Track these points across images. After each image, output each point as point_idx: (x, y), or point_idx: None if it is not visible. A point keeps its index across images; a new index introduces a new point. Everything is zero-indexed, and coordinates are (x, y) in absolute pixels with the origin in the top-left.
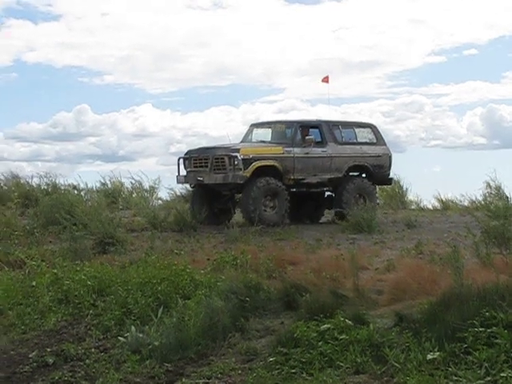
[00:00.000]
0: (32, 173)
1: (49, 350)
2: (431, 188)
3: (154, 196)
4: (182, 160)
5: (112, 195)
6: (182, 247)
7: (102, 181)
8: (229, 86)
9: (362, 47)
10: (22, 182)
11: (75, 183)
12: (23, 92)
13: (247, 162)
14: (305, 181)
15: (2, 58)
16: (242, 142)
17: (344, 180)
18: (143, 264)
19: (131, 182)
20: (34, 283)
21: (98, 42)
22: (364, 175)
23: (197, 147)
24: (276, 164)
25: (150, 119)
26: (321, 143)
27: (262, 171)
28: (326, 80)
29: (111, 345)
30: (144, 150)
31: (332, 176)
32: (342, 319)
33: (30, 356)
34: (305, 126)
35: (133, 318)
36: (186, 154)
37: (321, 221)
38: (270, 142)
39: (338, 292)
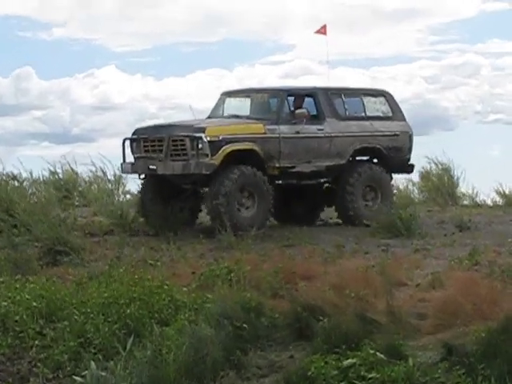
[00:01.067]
0: None
1: None
2: (490, 177)
3: (121, 189)
4: (127, 142)
5: (64, 188)
6: (158, 256)
7: (51, 169)
8: (220, 41)
9: None
10: None
11: (15, 172)
12: None
13: (216, 145)
14: (294, 169)
15: None
16: (209, 116)
17: (348, 168)
18: (107, 279)
19: (90, 171)
20: None
21: None
22: (375, 160)
23: (147, 125)
24: (255, 148)
25: (114, 86)
26: (316, 118)
27: (235, 158)
28: (322, 31)
29: None
30: (106, 127)
31: (331, 163)
32: (372, 352)
33: None
34: (295, 95)
35: (93, 350)
36: (133, 133)
37: (329, 221)
38: (247, 118)
39: (366, 316)
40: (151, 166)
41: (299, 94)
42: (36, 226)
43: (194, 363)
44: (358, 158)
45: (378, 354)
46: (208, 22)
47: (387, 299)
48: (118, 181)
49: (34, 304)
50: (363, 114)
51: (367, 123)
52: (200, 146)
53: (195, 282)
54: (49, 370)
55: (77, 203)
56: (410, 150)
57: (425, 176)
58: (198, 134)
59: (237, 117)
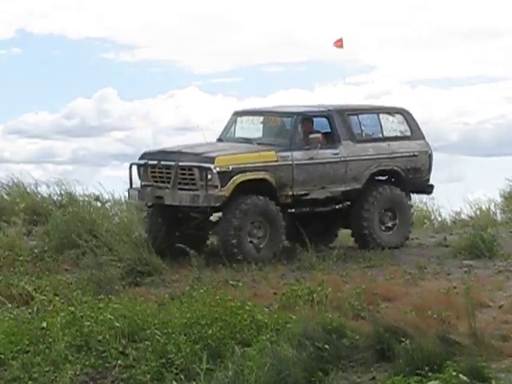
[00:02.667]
0: (41, 179)
1: None
2: None
3: None
4: (135, 167)
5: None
6: (239, 277)
7: None
8: (303, 63)
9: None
10: (28, 190)
11: (97, 192)
12: (29, 73)
13: (226, 175)
14: (308, 197)
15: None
16: (219, 138)
17: (365, 190)
18: (188, 300)
19: None
20: (44, 324)
21: (126, 3)
22: (393, 181)
23: (156, 149)
24: (267, 177)
25: (195, 107)
26: (331, 142)
27: (246, 187)
28: (338, 44)
29: None
30: None
31: (347, 188)
32: (455, 374)
33: None
34: (308, 118)
35: (174, 370)
36: (140, 157)
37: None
38: (258, 143)
39: (448, 337)
40: (158, 195)
41: (312, 116)
42: (118, 246)
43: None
44: (376, 179)
45: (460, 375)
46: (289, 44)
47: (470, 321)
48: None
49: (117, 324)
50: (380, 135)
51: (384, 144)
52: (209, 177)
53: (277, 302)
54: None
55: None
56: (429, 170)
57: (508, 197)
58: (207, 165)
59: (248, 141)
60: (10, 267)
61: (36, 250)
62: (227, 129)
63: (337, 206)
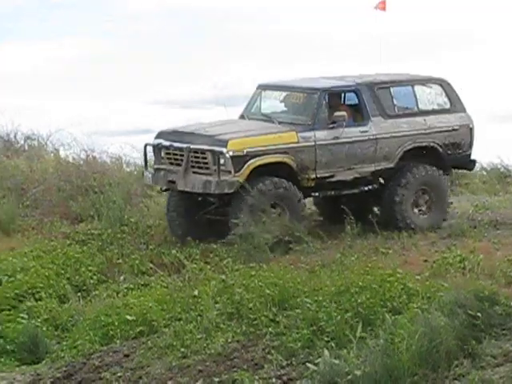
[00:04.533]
0: None
1: (216, 379)
2: None
3: None
4: (150, 148)
5: None
6: (389, 244)
7: None
8: None
9: None
10: None
11: None
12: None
13: (240, 160)
14: (333, 179)
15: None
16: (242, 115)
17: (398, 169)
18: (339, 267)
19: None
20: (196, 292)
21: None
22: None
23: (170, 129)
24: (286, 159)
25: None
26: (359, 118)
27: (263, 170)
28: (381, 7)
29: (297, 374)
30: None
31: (378, 168)
32: None
33: None
34: (334, 94)
35: (325, 338)
36: (156, 136)
37: None
38: (280, 121)
39: None
40: (170, 179)
41: (339, 92)
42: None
43: (427, 352)
44: (413, 157)
45: None
46: None
47: None
48: None
49: (268, 291)
50: (415, 109)
51: (420, 119)
52: (222, 161)
53: (427, 270)
54: (282, 357)
55: None
56: (470, 144)
57: None
58: (219, 149)
59: (270, 119)
60: (161, 236)
61: None
62: (251, 104)
63: (366, 188)
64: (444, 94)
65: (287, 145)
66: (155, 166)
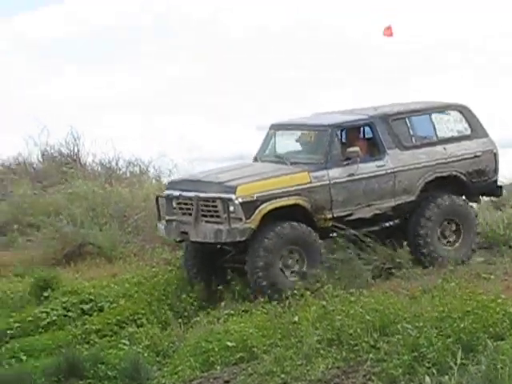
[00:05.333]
0: None
1: None
2: None
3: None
4: (163, 200)
5: None
6: (491, 269)
7: None
8: None
9: None
10: None
11: None
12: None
13: (250, 206)
14: (352, 217)
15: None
16: (255, 157)
17: (421, 202)
18: (440, 293)
19: None
20: (296, 318)
21: None
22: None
23: (179, 178)
24: (299, 201)
25: None
26: (375, 152)
27: (276, 214)
28: (388, 33)
29: None
30: None
31: (398, 202)
32: None
33: None
34: (347, 129)
35: (426, 364)
36: (167, 187)
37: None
38: (292, 161)
39: None
40: (183, 230)
41: (352, 127)
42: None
43: None
44: (436, 188)
45: None
46: None
47: None
48: None
49: (368, 317)
50: (434, 138)
51: (439, 148)
52: (231, 208)
53: None
54: (383, 383)
55: None
56: (495, 170)
57: None
58: (227, 195)
59: (282, 160)
60: None
61: None
62: (264, 145)
63: (387, 224)
64: (464, 120)
65: (300, 186)
66: (167, 218)
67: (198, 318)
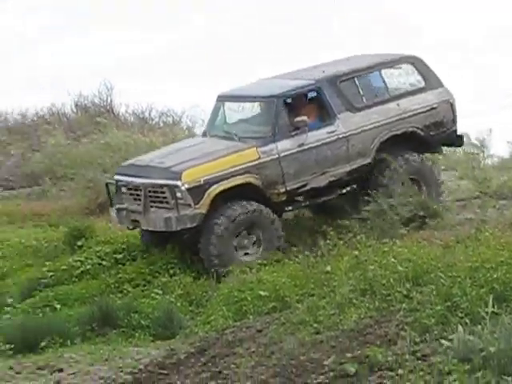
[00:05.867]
0: None
1: (349, 355)
2: None
3: (485, 153)
4: (111, 187)
5: None
6: None
7: None
8: None
9: None
10: None
11: None
12: None
13: (198, 190)
14: (307, 187)
15: None
16: (204, 132)
17: (377, 163)
18: (473, 243)
19: None
20: (328, 268)
21: None
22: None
23: (127, 163)
24: (250, 180)
25: None
26: (325, 117)
27: (227, 194)
28: None
29: (431, 350)
30: None
31: (354, 166)
32: None
33: (326, 363)
34: (293, 97)
35: (459, 314)
36: (117, 172)
37: None
38: (241, 136)
39: None
40: (133, 219)
41: (298, 94)
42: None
43: None
44: (394, 146)
45: None
46: None
47: None
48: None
49: (401, 268)
50: (386, 95)
51: (392, 105)
52: (179, 195)
53: None
54: (416, 333)
55: (443, 167)
56: (454, 120)
57: None
58: (173, 182)
59: (230, 136)
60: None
61: None
62: (213, 118)
63: (344, 190)
64: (416, 72)
65: (247, 163)
66: (117, 206)
67: (231, 268)
